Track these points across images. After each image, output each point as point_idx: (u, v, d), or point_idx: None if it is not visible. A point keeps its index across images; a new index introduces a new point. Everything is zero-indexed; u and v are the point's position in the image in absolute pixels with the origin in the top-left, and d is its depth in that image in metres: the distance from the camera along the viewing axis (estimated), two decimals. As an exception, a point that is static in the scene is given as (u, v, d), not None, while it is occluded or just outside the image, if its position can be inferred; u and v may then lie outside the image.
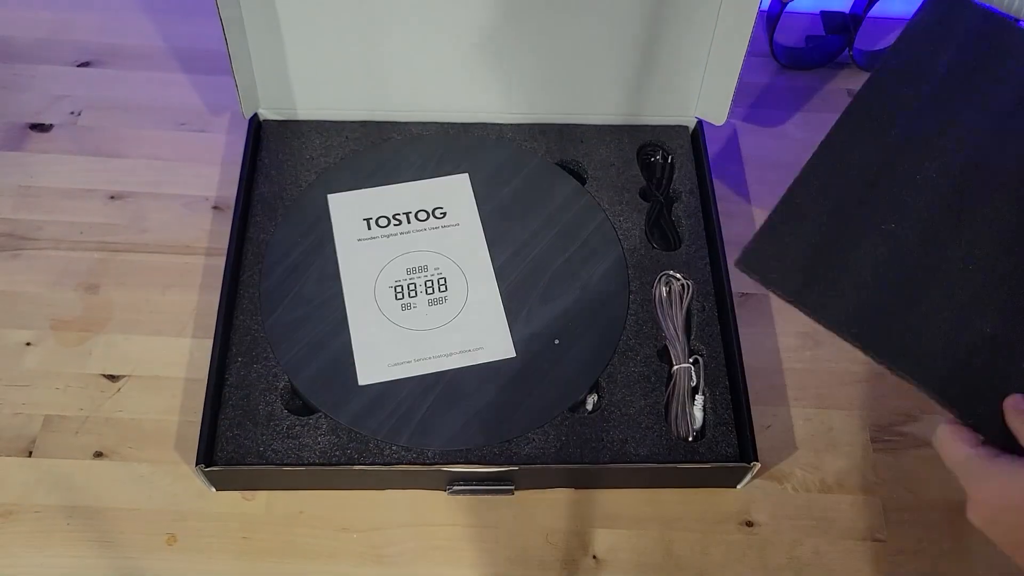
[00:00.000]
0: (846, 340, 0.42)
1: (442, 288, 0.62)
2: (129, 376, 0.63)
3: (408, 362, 0.60)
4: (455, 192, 0.67)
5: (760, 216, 0.73)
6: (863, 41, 0.82)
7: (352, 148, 0.71)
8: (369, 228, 0.64)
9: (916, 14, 0.46)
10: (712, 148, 0.71)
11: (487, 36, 0.66)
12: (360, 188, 0.67)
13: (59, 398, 0.62)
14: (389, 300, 0.61)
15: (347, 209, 0.66)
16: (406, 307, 0.61)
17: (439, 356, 0.60)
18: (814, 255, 0.43)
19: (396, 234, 0.64)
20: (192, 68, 0.80)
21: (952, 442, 0.41)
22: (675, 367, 0.61)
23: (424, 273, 0.62)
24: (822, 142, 0.44)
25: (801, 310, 0.42)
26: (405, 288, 0.62)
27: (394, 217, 0.65)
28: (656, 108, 0.72)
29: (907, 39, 0.45)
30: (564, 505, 0.59)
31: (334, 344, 0.61)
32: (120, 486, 0.59)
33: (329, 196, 0.66)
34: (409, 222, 0.65)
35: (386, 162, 0.70)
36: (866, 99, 0.45)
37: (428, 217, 0.65)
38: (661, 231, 0.69)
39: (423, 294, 0.62)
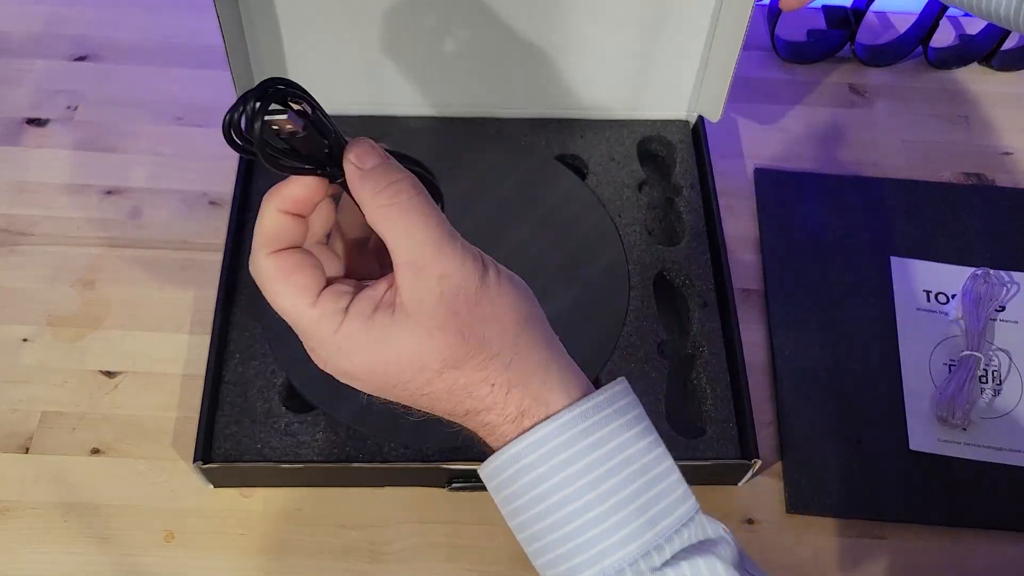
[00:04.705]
0: None
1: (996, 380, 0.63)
2: (126, 372, 0.63)
3: None
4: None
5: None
6: (865, 35, 0.82)
7: (350, 143, 0.71)
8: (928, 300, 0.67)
9: None
10: (713, 142, 0.71)
11: (485, 29, 0.66)
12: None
13: (56, 394, 0.61)
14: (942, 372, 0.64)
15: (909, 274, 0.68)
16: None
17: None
18: None
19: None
20: (189, 62, 0.79)
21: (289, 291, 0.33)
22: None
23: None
24: None
25: None
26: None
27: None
28: (657, 103, 0.72)
29: None
30: (564, 502, 0.59)
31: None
32: (117, 483, 0.58)
33: (892, 259, 0.69)
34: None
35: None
36: None
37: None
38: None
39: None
